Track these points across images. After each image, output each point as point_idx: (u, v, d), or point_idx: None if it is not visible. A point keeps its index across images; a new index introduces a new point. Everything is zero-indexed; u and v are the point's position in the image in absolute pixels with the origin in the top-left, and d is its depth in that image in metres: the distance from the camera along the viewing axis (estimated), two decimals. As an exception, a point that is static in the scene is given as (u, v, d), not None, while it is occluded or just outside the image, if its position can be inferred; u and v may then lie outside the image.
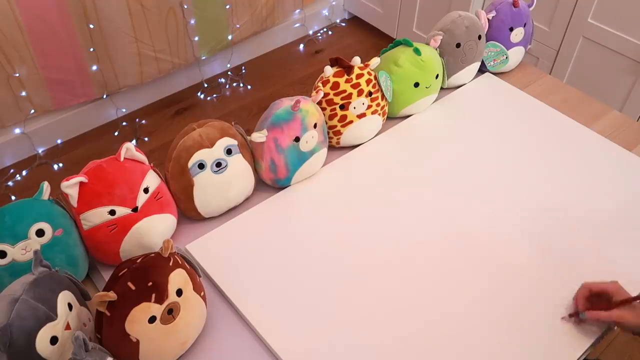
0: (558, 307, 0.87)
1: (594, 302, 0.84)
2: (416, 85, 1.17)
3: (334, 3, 2.73)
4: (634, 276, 0.91)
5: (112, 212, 0.85)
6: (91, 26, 1.91)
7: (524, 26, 1.30)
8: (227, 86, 2.42)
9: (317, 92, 1.04)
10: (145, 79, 2.16)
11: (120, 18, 1.95)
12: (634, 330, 0.82)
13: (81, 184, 0.84)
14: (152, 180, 0.90)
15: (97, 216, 0.85)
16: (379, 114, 1.14)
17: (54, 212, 0.84)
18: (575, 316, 0.86)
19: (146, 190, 0.89)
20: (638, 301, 0.81)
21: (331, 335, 0.83)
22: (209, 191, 0.95)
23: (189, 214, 0.99)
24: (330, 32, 2.76)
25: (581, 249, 0.96)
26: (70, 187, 0.83)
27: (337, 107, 1.07)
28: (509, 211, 1.02)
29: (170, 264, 0.75)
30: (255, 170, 1.02)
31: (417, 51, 1.14)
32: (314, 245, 0.96)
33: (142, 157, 0.91)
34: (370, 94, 1.09)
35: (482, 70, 1.35)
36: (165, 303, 0.73)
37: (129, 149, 0.88)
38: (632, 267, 0.93)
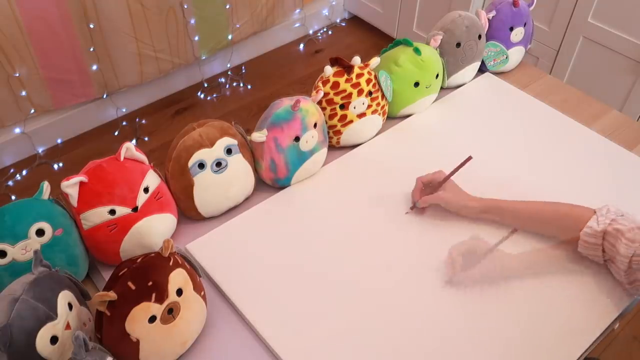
0: (558, 307, 0.87)
1: (429, 192, 0.99)
2: (416, 85, 1.17)
3: (334, 3, 2.73)
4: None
5: (112, 212, 0.85)
6: (91, 26, 1.91)
7: (524, 26, 1.30)
8: (227, 86, 2.42)
9: (317, 92, 1.04)
10: (145, 78, 2.16)
11: (120, 18, 1.95)
12: (457, 209, 0.97)
13: (81, 183, 0.84)
14: (152, 180, 0.90)
15: (97, 216, 0.85)
16: (379, 114, 1.14)
17: (54, 212, 0.84)
18: (414, 207, 1.00)
19: (146, 190, 0.89)
20: (452, 184, 0.98)
21: (331, 334, 0.83)
22: (209, 191, 0.95)
23: (189, 214, 0.99)
24: (330, 32, 2.76)
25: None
26: (70, 186, 0.83)
27: (337, 106, 1.07)
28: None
29: (171, 263, 0.75)
30: (255, 170, 1.02)
31: (417, 51, 1.14)
32: (314, 244, 0.96)
33: (142, 157, 0.91)
34: (370, 93, 1.09)
35: (482, 70, 1.35)
36: (166, 303, 0.74)
37: (129, 148, 0.88)
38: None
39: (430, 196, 0.98)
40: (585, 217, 0.88)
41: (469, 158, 0.96)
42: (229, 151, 0.95)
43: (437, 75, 1.20)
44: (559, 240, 0.93)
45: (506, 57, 1.32)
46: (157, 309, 0.73)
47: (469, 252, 0.89)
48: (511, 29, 1.29)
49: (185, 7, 2.10)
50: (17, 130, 1.99)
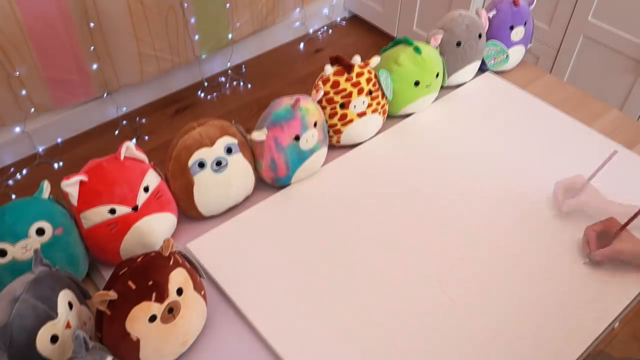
0: (558, 307, 0.87)
1: (600, 242, 0.92)
2: (416, 84, 1.17)
3: (334, 2, 2.73)
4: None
5: (112, 211, 0.85)
6: (91, 25, 1.91)
7: (525, 25, 1.30)
8: (227, 85, 2.42)
9: (317, 91, 1.04)
10: (145, 77, 2.16)
11: (120, 17, 1.95)
12: (638, 261, 0.92)
13: (81, 182, 0.84)
14: (152, 179, 0.90)
15: (97, 215, 0.85)
16: (379, 113, 1.14)
17: (54, 211, 0.84)
18: (589, 261, 0.93)
19: (146, 189, 0.89)
20: (628, 232, 0.92)
21: (332, 334, 0.83)
22: (209, 190, 0.95)
23: (189, 213, 0.99)
24: (330, 31, 2.76)
25: (581, 248, 0.96)
26: (71, 186, 0.83)
27: (338, 105, 1.07)
28: (510, 210, 1.02)
29: (171, 263, 0.75)
30: (256, 169, 1.02)
31: (417, 50, 1.14)
32: (315, 244, 0.96)
33: (142, 156, 0.91)
34: (370, 92, 1.09)
35: (483, 69, 1.35)
36: (166, 302, 0.74)
37: (129, 147, 0.88)
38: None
39: (608, 249, 0.91)
40: None
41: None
42: (229, 150, 0.95)
43: (437, 75, 1.20)
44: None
45: (506, 56, 1.32)
46: (157, 308, 0.73)
47: (570, 187, 1.02)
48: (511, 28, 1.29)
49: (186, 6, 2.10)
50: (17, 129, 1.99)
